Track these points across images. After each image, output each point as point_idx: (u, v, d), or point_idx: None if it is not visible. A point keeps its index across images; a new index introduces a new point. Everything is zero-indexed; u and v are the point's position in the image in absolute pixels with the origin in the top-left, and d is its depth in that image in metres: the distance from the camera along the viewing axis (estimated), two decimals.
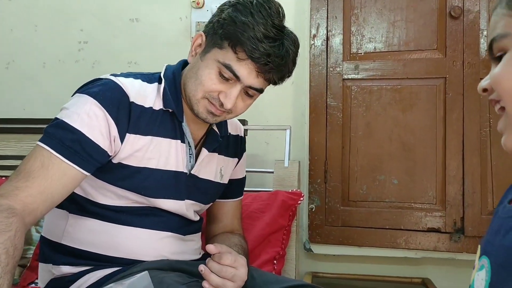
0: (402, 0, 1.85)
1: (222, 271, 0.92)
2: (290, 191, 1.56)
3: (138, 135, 0.98)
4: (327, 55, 1.89)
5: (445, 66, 1.80)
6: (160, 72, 1.06)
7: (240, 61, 0.95)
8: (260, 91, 1.00)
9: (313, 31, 1.90)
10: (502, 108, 0.60)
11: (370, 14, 1.88)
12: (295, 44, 1.00)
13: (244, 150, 1.25)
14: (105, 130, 0.93)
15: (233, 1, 0.99)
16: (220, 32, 0.96)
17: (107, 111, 0.93)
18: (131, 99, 0.97)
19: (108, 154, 0.95)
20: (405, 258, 1.83)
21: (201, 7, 2.08)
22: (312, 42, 1.90)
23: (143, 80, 1.03)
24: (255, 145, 1.97)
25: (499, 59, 0.60)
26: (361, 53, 1.88)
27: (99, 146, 0.92)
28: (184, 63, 1.09)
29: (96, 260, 0.99)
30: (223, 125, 1.14)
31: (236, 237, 1.18)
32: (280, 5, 0.99)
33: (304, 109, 1.93)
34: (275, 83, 1.02)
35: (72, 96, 1.00)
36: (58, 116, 0.94)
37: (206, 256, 1.03)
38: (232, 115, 1.03)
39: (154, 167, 1.00)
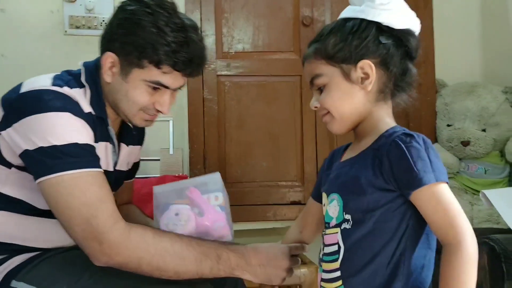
0: (265, 9, 2.14)
1: None
2: (176, 175, 1.74)
3: (99, 143, 1.02)
4: None
5: (300, 65, 2.14)
6: (71, 70, 1.04)
7: (166, 74, 0.98)
8: (184, 84, 1.06)
9: None
10: (327, 114, 0.91)
11: (238, 18, 2.13)
12: (198, 30, 1.02)
13: (144, 136, 1.30)
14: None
15: (128, 13, 0.97)
16: (134, 54, 0.96)
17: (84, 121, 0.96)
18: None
19: None
20: (274, 229, 2.14)
21: (73, 2, 2.08)
22: None
23: (69, 87, 0.98)
24: None
25: (319, 89, 0.91)
26: (232, 52, 2.13)
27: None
28: (98, 64, 1.05)
29: (14, 251, 1.00)
30: None
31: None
32: (172, 2, 1.00)
33: (182, 102, 2.10)
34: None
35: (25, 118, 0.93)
36: (43, 145, 0.90)
37: None
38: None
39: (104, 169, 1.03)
